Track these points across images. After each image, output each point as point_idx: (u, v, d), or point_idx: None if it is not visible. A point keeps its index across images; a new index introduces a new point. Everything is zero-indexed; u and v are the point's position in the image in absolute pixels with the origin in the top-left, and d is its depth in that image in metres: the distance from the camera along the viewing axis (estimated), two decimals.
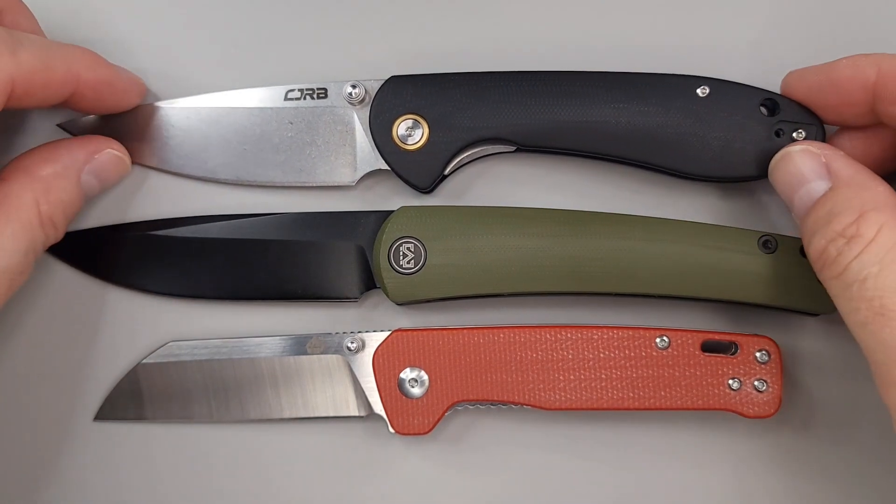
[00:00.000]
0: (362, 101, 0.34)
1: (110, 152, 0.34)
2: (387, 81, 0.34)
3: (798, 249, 0.32)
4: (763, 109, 0.33)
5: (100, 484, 0.35)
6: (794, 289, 0.32)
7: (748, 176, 0.33)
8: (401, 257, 0.33)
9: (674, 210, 0.35)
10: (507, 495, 0.34)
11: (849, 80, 0.30)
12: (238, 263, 0.34)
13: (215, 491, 0.34)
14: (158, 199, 0.36)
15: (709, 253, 0.32)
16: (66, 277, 0.35)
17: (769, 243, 0.32)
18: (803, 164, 0.30)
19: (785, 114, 0.32)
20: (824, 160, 0.29)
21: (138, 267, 0.35)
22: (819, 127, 0.32)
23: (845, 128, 0.33)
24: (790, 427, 0.34)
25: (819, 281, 0.31)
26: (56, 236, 0.32)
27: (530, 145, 0.34)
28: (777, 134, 0.32)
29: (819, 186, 0.29)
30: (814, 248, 0.28)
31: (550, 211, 0.33)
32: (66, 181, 0.32)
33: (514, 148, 0.34)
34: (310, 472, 0.34)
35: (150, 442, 0.35)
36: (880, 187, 0.28)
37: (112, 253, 0.35)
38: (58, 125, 0.35)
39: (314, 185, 0.35)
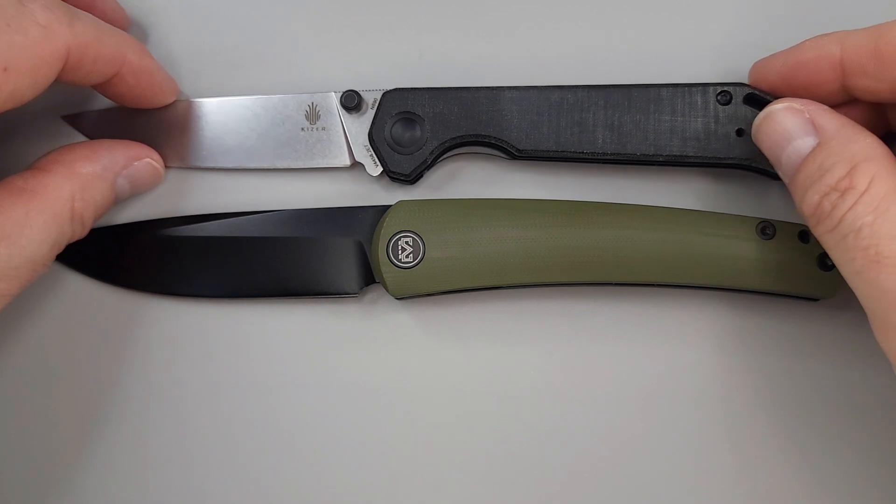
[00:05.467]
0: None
1: (149, 162, 0.34)
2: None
3: (797, 235, 0.32)
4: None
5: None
6: (794, 274, 0.32)
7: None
8: (399, 251, 0.33)
9: (670, 200, 0.35)
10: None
11: (815, 61, 0.30)
12: (237, 262, 0.34)
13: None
14: (156, 198, 0.36)
15: (707, 240, 0.32)
16: (64, 278, 0.35)
17: (767, 229, 0.32)
18: (788, 122, 0.29)
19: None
20: (808, 116, 0.29)
21: (136, 267, 0.35)
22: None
23: None
24: (790, 411, 0.34)
25: (818, 266, 0.32)
26: (81, 234, 0.32)
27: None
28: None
29: (806, 143, 0.29)
30: (807, 204, 0.28)
31: (548, 202, 0.33)
32: (103, 182, 0.32)
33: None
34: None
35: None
36: (868, 139, 0.28)
37: (110, 254, 0.35)
38: (62, 117, 0.35)
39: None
